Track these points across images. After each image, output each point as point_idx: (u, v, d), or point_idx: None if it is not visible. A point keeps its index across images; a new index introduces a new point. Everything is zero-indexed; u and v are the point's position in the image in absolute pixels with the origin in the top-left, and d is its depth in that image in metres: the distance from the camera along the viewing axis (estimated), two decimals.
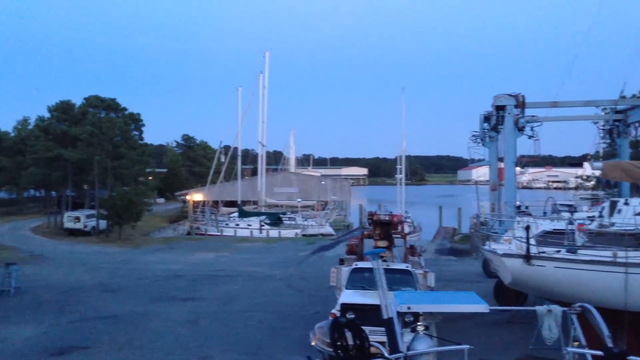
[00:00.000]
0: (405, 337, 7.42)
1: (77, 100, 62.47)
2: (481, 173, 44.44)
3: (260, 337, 17.03)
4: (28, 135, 66.49)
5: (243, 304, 21.82)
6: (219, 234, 54.87)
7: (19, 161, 64.05)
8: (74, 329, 17.85)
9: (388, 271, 14.28)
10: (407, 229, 32.41)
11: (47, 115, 62.58)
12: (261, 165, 66.26)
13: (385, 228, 20.73)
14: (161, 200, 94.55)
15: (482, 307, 7.66)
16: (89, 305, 21.53)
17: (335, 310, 14.16)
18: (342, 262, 18.81)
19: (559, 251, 15.15)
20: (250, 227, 55.68)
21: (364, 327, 7.69)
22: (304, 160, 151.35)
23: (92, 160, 53.15)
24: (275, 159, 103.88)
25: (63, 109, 61.40)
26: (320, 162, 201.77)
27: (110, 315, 19.70)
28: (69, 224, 52.52)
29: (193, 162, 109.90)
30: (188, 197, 71.61)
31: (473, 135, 28.98)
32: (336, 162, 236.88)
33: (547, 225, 17.33)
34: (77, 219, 52.50)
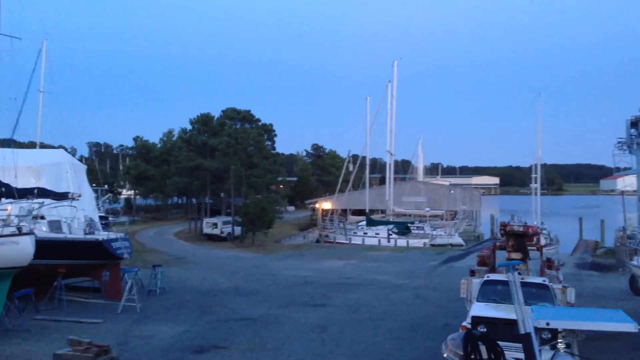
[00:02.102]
0: (543, 355, 7.04)
1: (216, 113, 66.46)
2: (628, 182, 41.13)
3: (389, 346, 16.93)
4: (172, 146, 71.63)
5: (371, 312, 21.84)
6: (347, 242, 55.44)
7: (164, 170, 69.22)
8: (212, 329, 18.86)
9: (523, 285, 13.60)
10: (543, 241, 30.72)
11: (189, 127, 67.13)
12: (389, 174, 66.14)
13: (519, 239, 19.78)
14: (292, 208, 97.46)
15: (631, 327, 7.08)
16: (226, 307, 22.66)
17: (466, 323, 13.74)
18: (473, 273, 18.24)
19: None
20: (378, 236, 55.70)
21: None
22: (433, 169, 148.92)
23: (228, 169, 56.09)
24: (403, 167, 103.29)
25: (203, 121, 65.50)
26: (449, 171, 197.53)
27: (245, 318, 20.58)
28: (207, 230, 55.81)
29: (322, 171, 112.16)
30: (317, 206, 73.16)
31: (619, 142, 26.96)
32: (466, 171, 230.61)
33: None
34: (215, 225, 55.65)
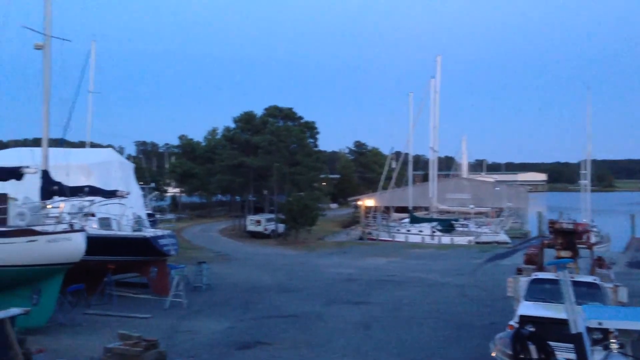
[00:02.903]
0: (595, 355, 6.85)
1: (258, 111, 67.06)
2: None
3: (434, 344, 16.77)
4: (216, 145, 72.62)
5: (415, 310, 21.67)
6: (390, 239, 55.17)
7: (209, 168, 70.21)
8: (257, 325, 19.04)
9: (573, 284, 13.26)
10: (593, 239, 29.90)
11: (232, 125, 67.93)
12: (432, 171, 65.47)
13: (568, 237, 19.30)
14: (334, 205, 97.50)
15: None
16: (269, 303, 22.85)
17: (513, 322, 13.49)
18: (520, 271, 17.90)
19: None
20: (422, 233, 55.23)
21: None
22: (477, 166, 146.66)
23: (271, 167, 56.52)
24: (447, 164, 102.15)
25: (246, 120, 66.20)
26: (494, 168, 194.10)
27: (289, 315, 20.70)
28: (251, 227, 56.38)
29: (365, 168, 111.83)
30: (360, 203, 72.99)
31: None
32: (511, 168, 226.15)
33: None
34: (258, 222, 56.17)
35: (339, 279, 29.24)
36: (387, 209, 68.33)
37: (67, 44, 21.60)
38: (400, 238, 55.15)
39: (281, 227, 53.33)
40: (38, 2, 20.83)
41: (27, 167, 19.08)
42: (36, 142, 24.49)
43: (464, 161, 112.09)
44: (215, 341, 16.94)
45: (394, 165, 69.93)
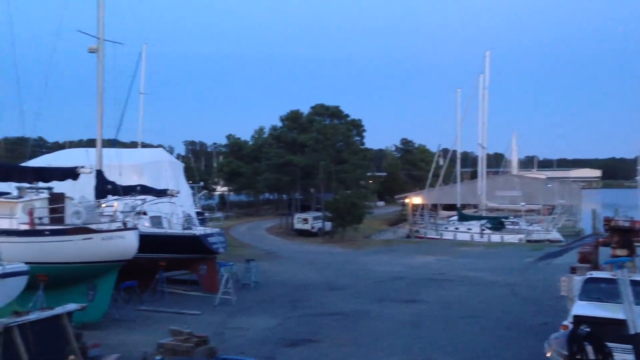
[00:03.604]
0: None
1: (305, 109, 67.29)
2: None
3: (484, 344, 16.49)
4: (263, 143, 73.25)
5: (465, 309, 21.36)
6: (438, 237, 54.55)
7: (256, 167, 70.91)
8: (304, 323, 19.13)
9: (631, 283, 12.86)
10: None
11: (279, 124, 68.38)
12: (481, 167, 64.37)
13: (625, 235, 18.66)
14: (381, 203, 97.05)
15: None
16: (317, 301, 22.92)
17: (567, 322, 13.14)
18: (573, 270, 17.40)
19: None
20: (471, 231, 54.39)
21: None
22: (528, 162, 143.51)
23: (317, 165, 56.65)
24: (496, 161, 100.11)
25: (292, 118, 66.54)
26: (546, 164, 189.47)
27: (336, 312, 20.72)
28: (298, 225, 56.68)
29: (411, 165, 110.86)
30: (407, 200, 72.40)
31: None
32: (564, 164, 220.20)
33: None
34: (305, 220, 56.43)
35: (386, 277, 29.10)
36: (434, 207, 67.54)
37: (119, 46, 22.21)
38: (448, 236, 54.46)
39: (328, 225, 53.43)
40: (92, 7, 21.48)
41: (83, 167, 19.69)
42: (90, 143, 25.28)
43: (514, 158, 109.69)
44: (264, 338, 17.11)
45: (441, 162, 69.04)
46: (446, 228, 57.11)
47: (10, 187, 20.04)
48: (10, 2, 19.45)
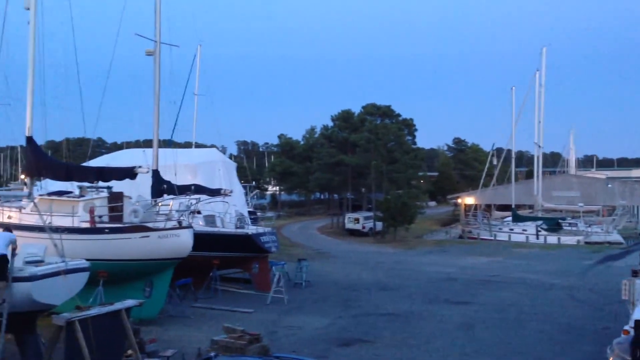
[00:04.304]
0: None
1: (356, 109, 67.21)
2: None
3: (541, 348, 16.07)
4: (314, 143, 73.57)
5: (520, 312, 20.87)
6: (492, 238, 53.49)
7: (307, 167, 71.29)
8: (356, 323, 19.10)
9: None
10: None
11: (330, 124, 68.52)
12: (537, 167, 62.75)
13: None
14: (433, 203, 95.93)
15: None
16: (369, 301, 22.85)
17: (629, 327, 12.67)
18: (635, 273, 16.76)
19: None
20: (526, 232, 53.08)
21: None
22: (586, 162, 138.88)
23: (369, 164, 56.51)
24: (553, 160, 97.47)
25: (344, 118, 66.60)
26: (606, 163, 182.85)
27: (388, 313, 20.61)
28: (349, 225, 56.68)
29: (464, 165, 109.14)
30: (459, 201, 71.35)
31: None
32: (625, 163, 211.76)
33: None
34: (357, 220, 56.38)
35: (438, 278, 28.75)
36: (488, 207, 66.23)
37: (175, 48, 22.74)
38: (502, 237, 53.32)
39: (379, 225, 53.21)
40: (149, 10, 22.06)
41: (140, 167, 20.20)
42: (147, 144, 25.93)
43: (572, 157, 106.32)
44: (316, 337, 17.17)
45: (495, 161, 67.71)
46: (500, 229, 55.96)
47: (72, 186, 20.73)
48: (72, 9, 20.16)
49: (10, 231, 13.12)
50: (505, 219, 60.63)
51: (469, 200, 67.91)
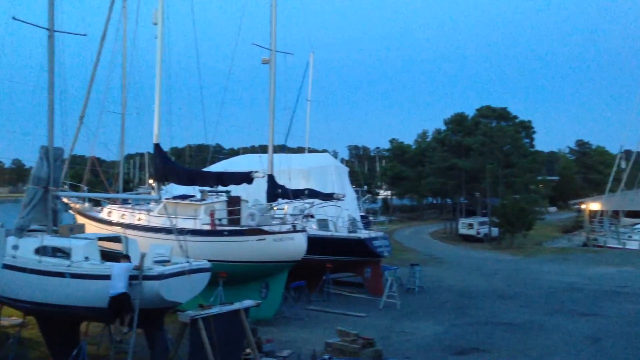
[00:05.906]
0: None
1: (470, 112, 65.54)
2: None
3: None
4: (427, 147, 72.61)
5: None
6: (621, 246, 49.86)
7: (419, 171, 70.47)
8: (471, 331, 18.54)
9: None
10: None
11: (443, 127, 67.30)
12: None
13: None
14: (553, 209, 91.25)
15: None
16: (484, 309, 22.11)
17: None
18: None
19: None
20: None
21: None
22: None
23: (484, 168, 54.81)
24: None
25: (457, 121, 65.14)
26: None
27: (506, 322, 19.82)
28: (463, 230, 55.30)
29: (588, 169, 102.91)
30: (583, 206, 67.31)
31: None
32: None
33: None
34: (471, 225, 54.88)
35: (560, 288, 27.25)
36: (615, 213, 61.88)
37: (289, 56, 23.38)
38: (632, 246, 49.53)
39: (495, 231, 51.44)
40: (264, 21, 22.85)
41: (257, 172, 20.88)
42: (262, 149, 26.78)
43: None
44: (430, 344, 16.88)
45: (623, 165, 63.16)
46: (630, 237, 52.02)
47: (194, 190, 21.84)
48: (196, 25, 21.33)
49: (128, 258, 13.43)
50: (635, 226, 56.36)
51: (594, 205, 63.83)
